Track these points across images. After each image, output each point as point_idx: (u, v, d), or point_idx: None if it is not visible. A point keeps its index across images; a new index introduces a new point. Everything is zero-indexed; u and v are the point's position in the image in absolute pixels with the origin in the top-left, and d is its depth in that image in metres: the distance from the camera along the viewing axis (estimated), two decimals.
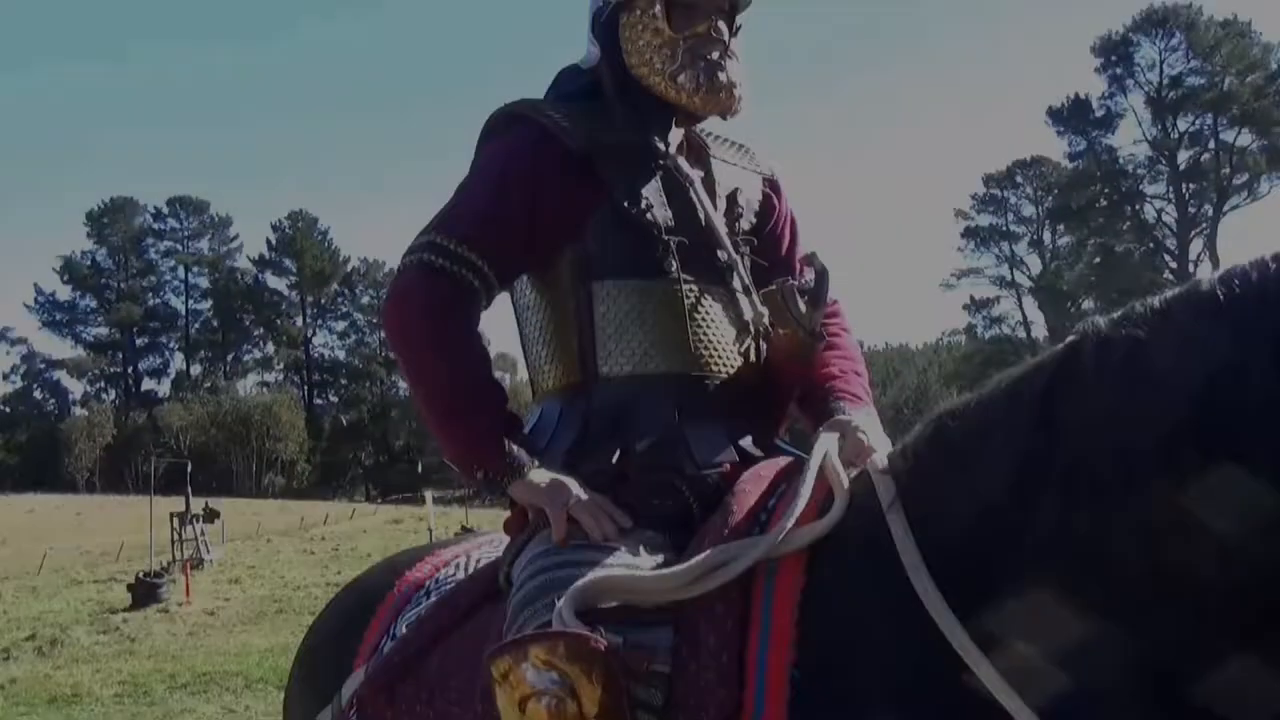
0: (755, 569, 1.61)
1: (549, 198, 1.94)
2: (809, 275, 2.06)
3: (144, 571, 17.20)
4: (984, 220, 60.59)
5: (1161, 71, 47.36)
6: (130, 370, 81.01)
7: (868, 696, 1.49)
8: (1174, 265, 49.87)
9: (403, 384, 55.17)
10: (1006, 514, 1.45)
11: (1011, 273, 60.52)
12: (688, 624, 1.61)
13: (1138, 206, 49.24)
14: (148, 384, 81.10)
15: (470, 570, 2.17)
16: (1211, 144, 47.79)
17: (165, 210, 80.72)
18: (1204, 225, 49.71)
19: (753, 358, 2.02)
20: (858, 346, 2.18)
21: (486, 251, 1.92)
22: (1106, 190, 49.84)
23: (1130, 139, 48.07)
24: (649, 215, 1.96)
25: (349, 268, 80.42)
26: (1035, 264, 59.48)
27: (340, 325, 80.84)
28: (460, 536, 2.62)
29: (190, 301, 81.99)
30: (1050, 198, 55.20)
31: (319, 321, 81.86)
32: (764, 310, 2.01)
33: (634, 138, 2.03)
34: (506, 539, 2.03)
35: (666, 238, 1.96)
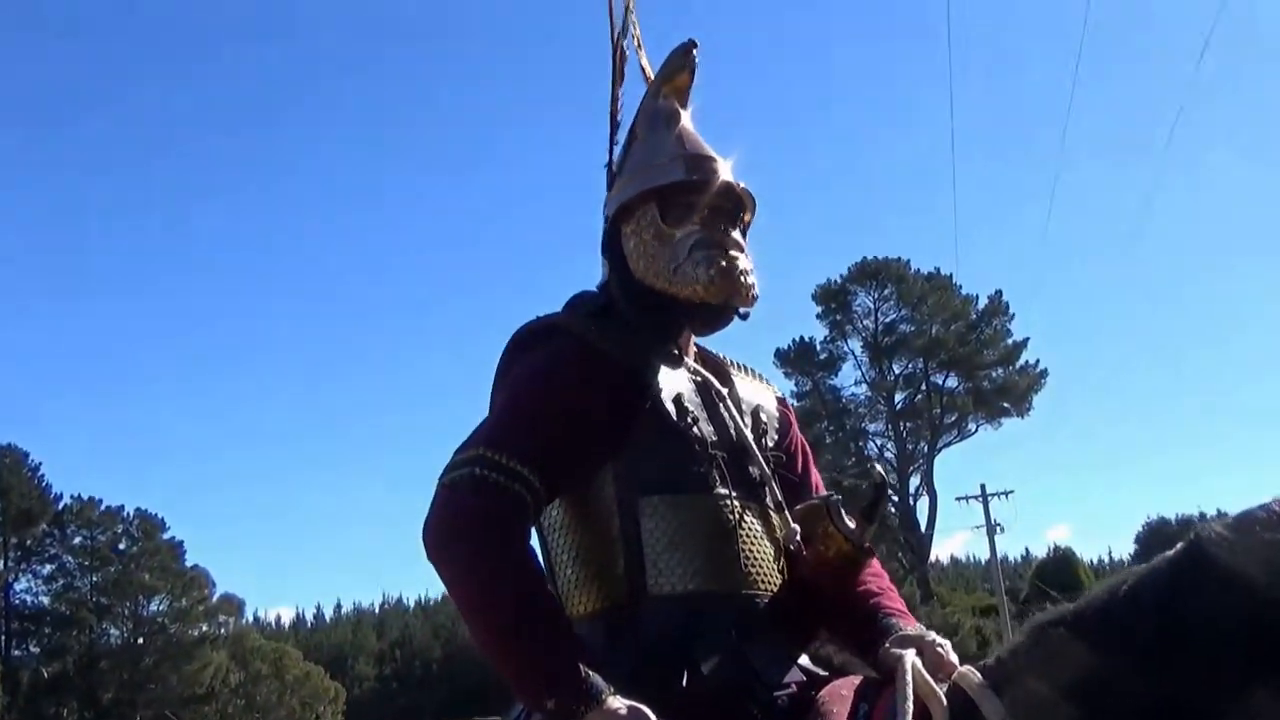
0: None
1: (598, 410, 1.89)
2: (824, 492, 2.07)
3: None
4: None
5: (876, 319, 50.64)
6: None
7: None
8: (895, 499, 52.33)
9: (114, 631, 51.27)
10: None
11: None
12: None
13: (861, 443, 51.65)
14: None
15: None
16: (923, 386, 51.00)
17: None
18: (920, 461, 52.60)
19: (786, 575, 1.97)
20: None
21: (538, 466, 1.83)
22: (832, 428, 52.27)
23: (852, 380, 50.58)
24: (695, 429, 1.94)
25: (60, 505, 75.08)
26: None
27: (47, 569, 74.87)
28: None
29: None
30: None
31: (22, 565, 75.46)
32: (795, 528, 1.98)
33: (664, 349, 2.00)
34: None
35: (713, 452, 1.93)
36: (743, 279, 2.02)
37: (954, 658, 1.80)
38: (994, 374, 46.88)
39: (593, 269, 2.21)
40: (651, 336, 2.03)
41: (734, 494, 1.95)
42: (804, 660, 1.92)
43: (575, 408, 1.89)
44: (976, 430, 51.01)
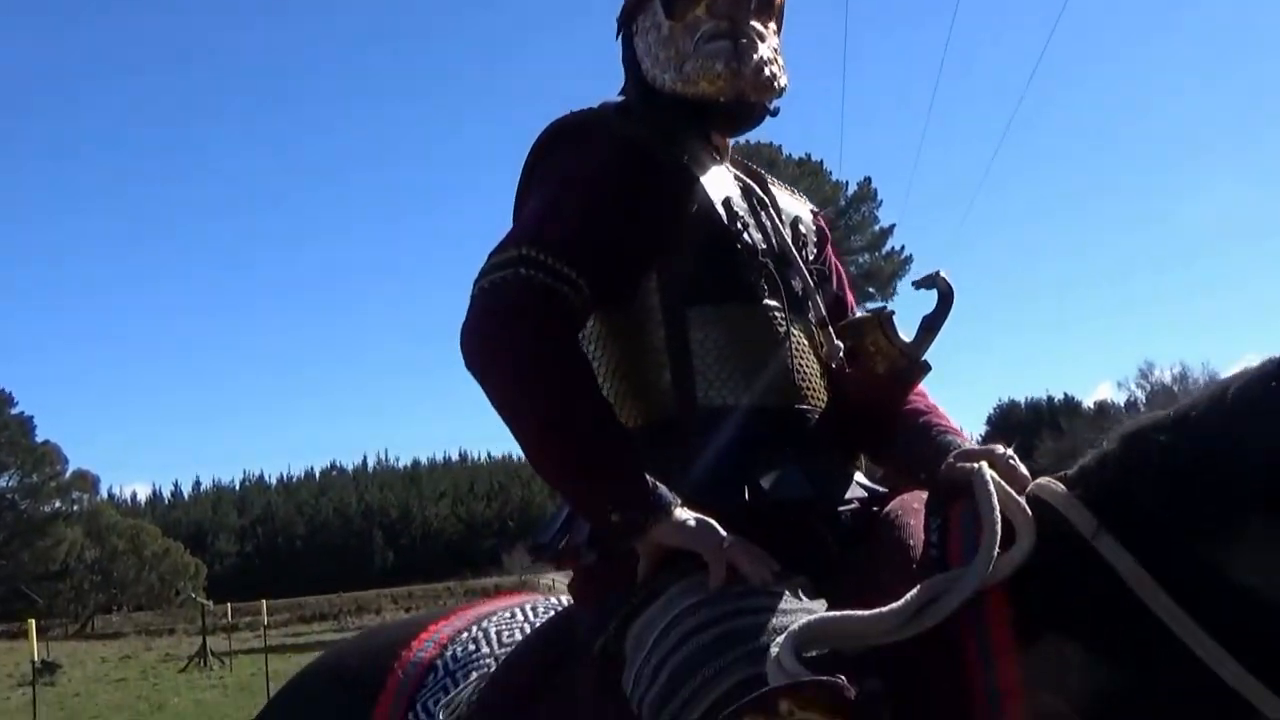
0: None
1: (646, 208, 1.75)
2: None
3: None
4: None
5: None
6: None
7: None
8: None
9: None
10: (1249, 548, 1.39)
11: None
12: (904, 669, 1.44)
13: None
14: None
15: (492, 643, 1.91)
16: None
17: None
18: None
19: (830, 393, 1.86)
20: None
21: (585, 268, 1.67)
22: None
23: None
24: (746, 235, 1.81)
25: None
26: None
27: None
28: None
29: None
30: None
31: None
32: (839, 344, 1.87)
33: (703, 148, 1.86)
34: (521, 607, 1.94)
35: (762, 260, 1.81)
36: (758, 69, 1.82)
37: (1025, 470, 1.69)
38: (861, 259, 47.57)
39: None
40: (686, 137, 1.85)
41: (780, 305, 1.82)
42: (860, 477, 1.83)
43: (623, 205, 1.73)
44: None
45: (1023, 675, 1.42)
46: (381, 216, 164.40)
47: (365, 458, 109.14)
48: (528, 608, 2.02)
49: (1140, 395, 49.08)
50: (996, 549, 1.49)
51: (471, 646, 1.92)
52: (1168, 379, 50.27)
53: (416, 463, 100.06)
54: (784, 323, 1.81)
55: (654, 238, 1.76)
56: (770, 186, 2.01)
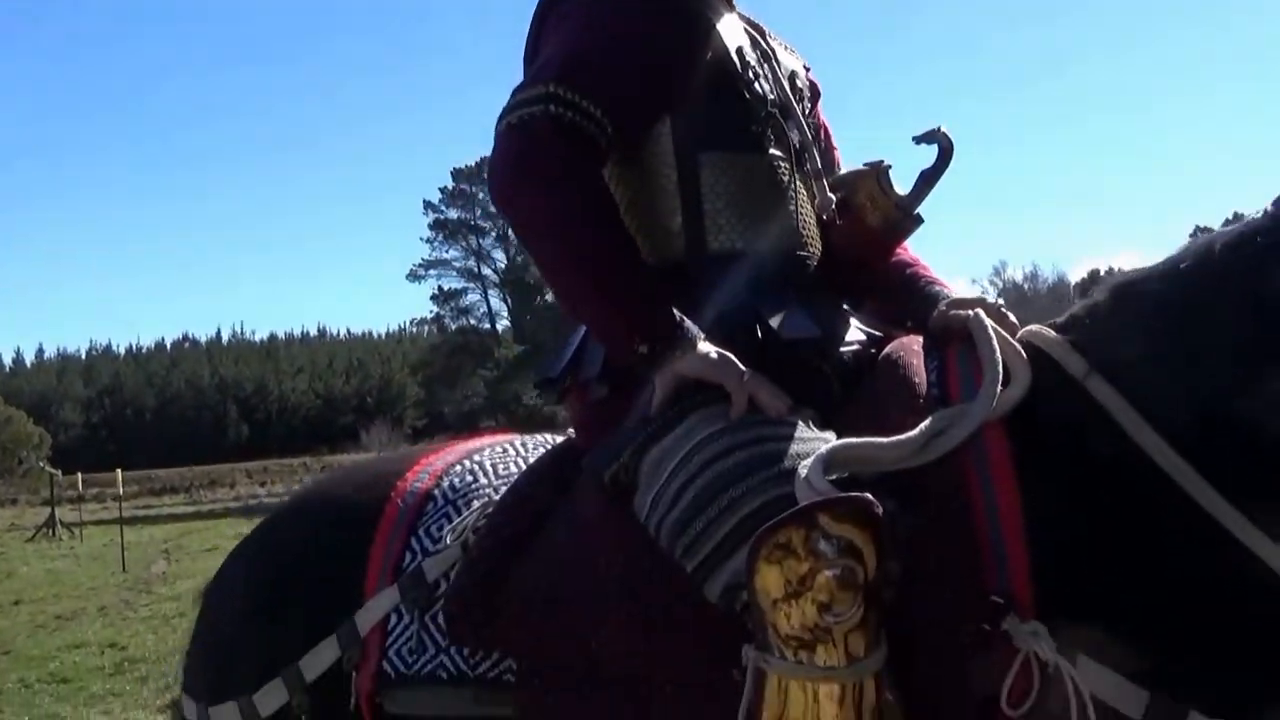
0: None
1: (668, 52, 1.78)
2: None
3: None
4: (453, 214, 61.63)
5: None
6: None
7: (1104, 556, 1.51)
8: None
9: None
10: (1235, 387, 1.51)
11: (479, 266, 62.01)
12: (915, 493, 1.55)
13: None
14: None
15: (489, 475, 1.95)
16: None
17: None
18: None
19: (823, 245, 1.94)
20: None
21: (610, 109, 1.71)
22: None
23: None
24: (757, 86, 1.85)
25: None
26: (502, 258, 61.25)
27: None
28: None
29: None
30: None
31: None
32: (832, 197, 1.94)
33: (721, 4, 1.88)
34: (510, 443, 2.01)
35: (770, 110, 1.86)
36: None
37: (1014, 319, 1.80)
38: None
39: None
40: None
41: (785, 156, 1.88)
42: (856, 322, 1.90)
43: (647, 48, 1.77)
44: None
45: (1020, 500, 1.53)
46: (248, 81, 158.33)
47: (219, 330, 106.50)
48: (517, 443, 2.08)
49: (993, 292, 50.82)
50: (998, 385, 1.61)
51: (469, 478, 1.95)
52: (1019, 278, 52.37)
53: (273, 337, 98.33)
54: (787, 172, 1.87)
55: (674, 82, 1.79)
56: (770, 40, 2.03)
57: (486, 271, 61.87)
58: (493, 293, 61.95)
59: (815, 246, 1.91)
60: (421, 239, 63.10)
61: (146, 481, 44.93)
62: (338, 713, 1.82)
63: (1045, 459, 1.58)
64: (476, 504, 1.89)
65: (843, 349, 1.81)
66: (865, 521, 1.41)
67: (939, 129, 1.90)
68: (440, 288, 63.02)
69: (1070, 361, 1.64)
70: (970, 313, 1.78)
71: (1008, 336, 1.72)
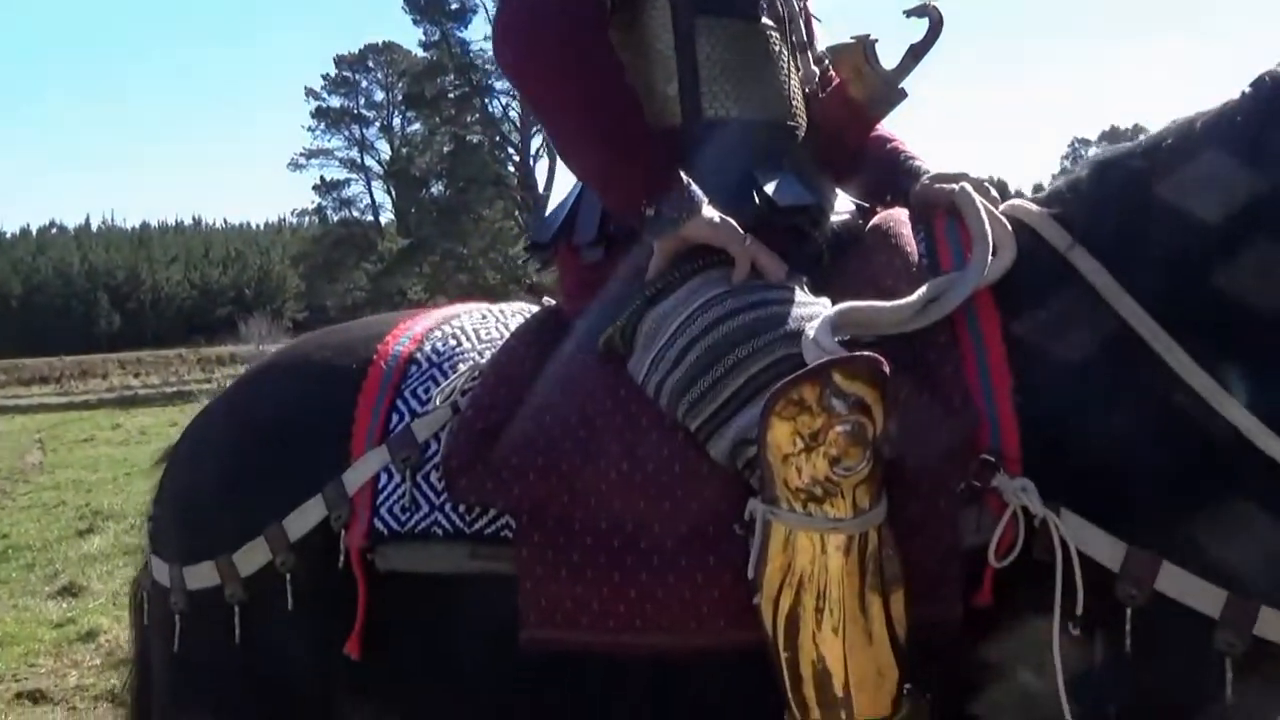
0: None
1: None
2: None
3: None
4: (335, 102, 59.90)
5: None
6: None
7: (1085, 418, 1.59)
8: (517, 158, 52.71)
9: None
10: (1212, 258, 1.57)
11: (362, 156, 60.57)
12: (912, 355, 1.62)
13: (487, 100, 50.92)
14: None
15: (472, 339, 1.94)
16: None
17: None
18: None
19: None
20: None
21: None
22: (458, 82, 51.10)
23: (482, 34, 49.02)
24: None
25: None
26: (386, 149, 59.94)
27: None
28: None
29: None
30: (402, 84, 55.59)
31: None
32: (815, 70, 1.96)
33: None
34: (489, 310, 2.03)
35: None
36: None
37: (996, 193, 1.85)
38: None
39: None
40: None
41: (776, 25, 1.90)
42: (842, 193, 1.95)
43: None
44: None
45: (1009, 364, 1.62)
46: None
47: (88, 218, 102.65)
48: (495, 310, 2.09)
49: None
50: (991, 255, 1.67)
51: (452, 342, 1.95)
52: None
53: (146, 225, 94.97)
54: (778, 42, 1.89)
55: None
56: None
57: (370, 162, 60.51)
58: (376, 185, 60.70)
59: (802, 118, 1.94)
60: (304, 127, 61.42)
61: (14, 371, 43.43)
62: (323, 571, 1.83)
63: (1031, 327, 1.65)
64: (463, 367, 1.89)
65: (835, 218, 1.86)
66: (874, 380, 1.48)
67: (930, 3, 1.92)
68: (322, 178, 61.31)
69: (1053, 234, 1.71)
70: (955, 186, 1.82)
71: (992, 209, 1.77)
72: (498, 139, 52.81)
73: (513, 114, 51.56)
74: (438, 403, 1.83)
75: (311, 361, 2.02)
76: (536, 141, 52.47)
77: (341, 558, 1.81)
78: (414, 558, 1.77)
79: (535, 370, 1.80)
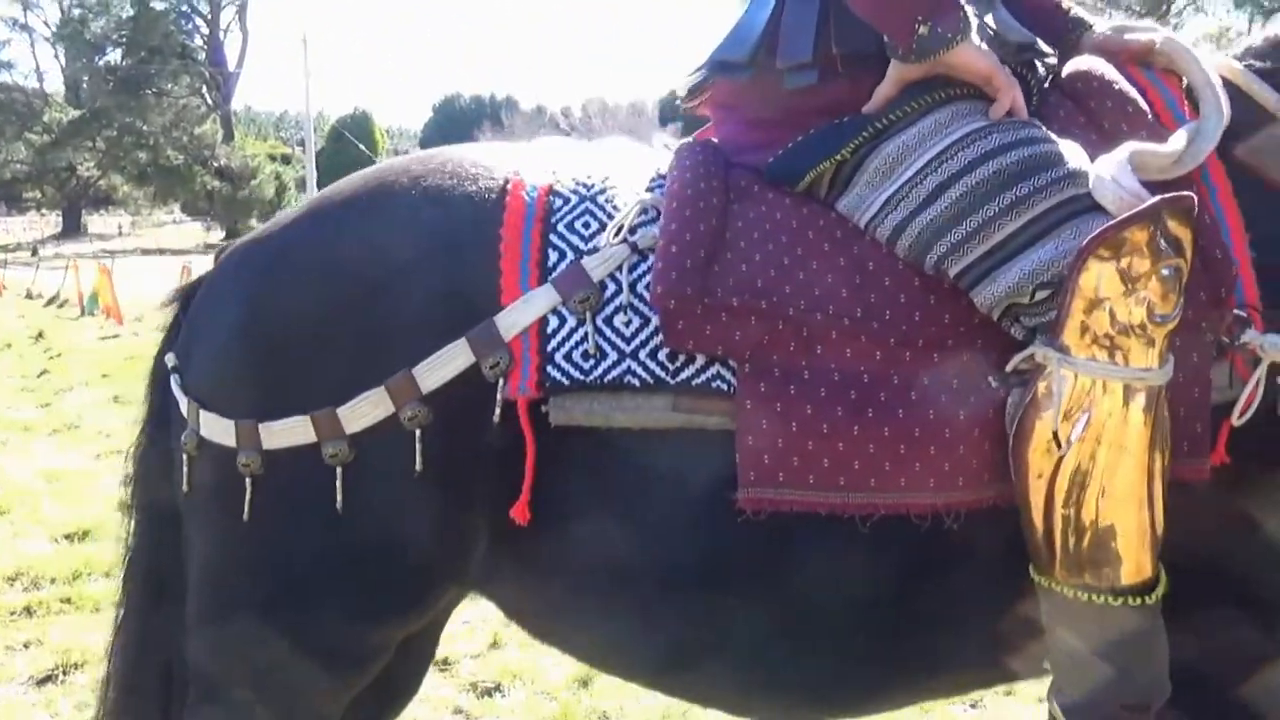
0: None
1: None
2: None
3: None
4: None
5: None
6: None
7: None
8: (206, 31, 49.46)
9: None
10: None
11: (25, 14, 55.03)
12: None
13: None
14: None
15: (618, 173, 1.71)
16: None
17: None
18: None
19: None
20: None
21: None
22: None
23: None
24: None
25: None
26: (54, 8, 54.67)
27: None
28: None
29: None
30: None
31: None
32: None
33: None
34: (601, 146, 1.90)
35: None
36: None
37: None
38: None
39: None
40: None
41: None
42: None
43: None
44: None
45: (1243, 221, 1.57)
46: None
47: None
48: (608, 145, 1.94)
49: None
50: (1225, 107, 1.60)
51: (586, 177, 1.70)
52: None
53: None
54: None
55: None
56: None
57: (35, 22, 55.02)
58: (43, 47, 55.42)
59: None
60: None
61: None
62: (466, 427, 1.58)
63: (1254, 181, 1.61)
64: (620, 202, 1.66)
65: (1042, 57, 1.76)
66: (1188, 221, 1.42)
67: None
68: None
69: (1262, 93, 1.67)
70: (1156, 36, 1.75)
71: (1207, 64, 1.68)
72: (184, 7, 49.34)
73: None
74: (611, 238, 1.60)
75: (426, 187, 1.69)
76: (228, 15, 49.26)
77: (497, 410, 1.56)
78: (599, 411, 1.55)
79: (723, 207, 1.61)
